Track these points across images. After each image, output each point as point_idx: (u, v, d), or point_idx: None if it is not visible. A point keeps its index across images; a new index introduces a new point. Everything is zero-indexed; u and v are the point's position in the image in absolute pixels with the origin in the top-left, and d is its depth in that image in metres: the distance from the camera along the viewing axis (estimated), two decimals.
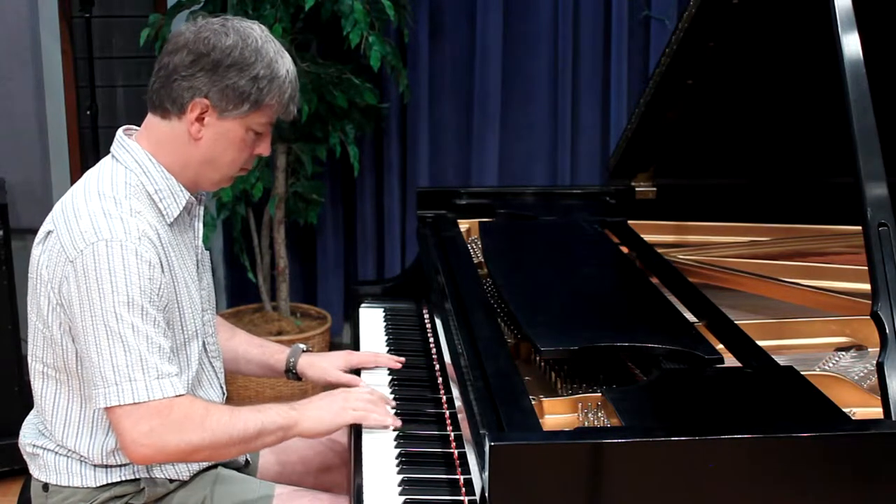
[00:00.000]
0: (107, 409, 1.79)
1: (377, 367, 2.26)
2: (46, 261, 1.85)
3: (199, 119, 1.87)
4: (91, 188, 1.88)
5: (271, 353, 2.26)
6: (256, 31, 1.89)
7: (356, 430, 2.01)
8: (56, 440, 1.93)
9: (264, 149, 1.95)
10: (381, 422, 1.97)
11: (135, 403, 1.76)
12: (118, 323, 1.76)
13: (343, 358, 2.26)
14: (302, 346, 2.27)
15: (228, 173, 1.95)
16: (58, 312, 1.85)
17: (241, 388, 4.00)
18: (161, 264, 1.84)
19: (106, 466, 1.92)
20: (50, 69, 4.05)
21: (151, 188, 1.90)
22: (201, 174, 1.93)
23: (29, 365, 1.96)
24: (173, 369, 1.81)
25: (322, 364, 2.24)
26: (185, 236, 1.98)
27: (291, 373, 2.25)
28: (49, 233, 1.87)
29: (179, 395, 1.80)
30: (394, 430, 1.99)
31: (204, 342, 2.00)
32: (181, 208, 1.93)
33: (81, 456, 1.91)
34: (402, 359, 2.27)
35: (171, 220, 1.92)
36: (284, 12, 3.68)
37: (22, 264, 2.10)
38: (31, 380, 1.96)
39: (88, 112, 3.70)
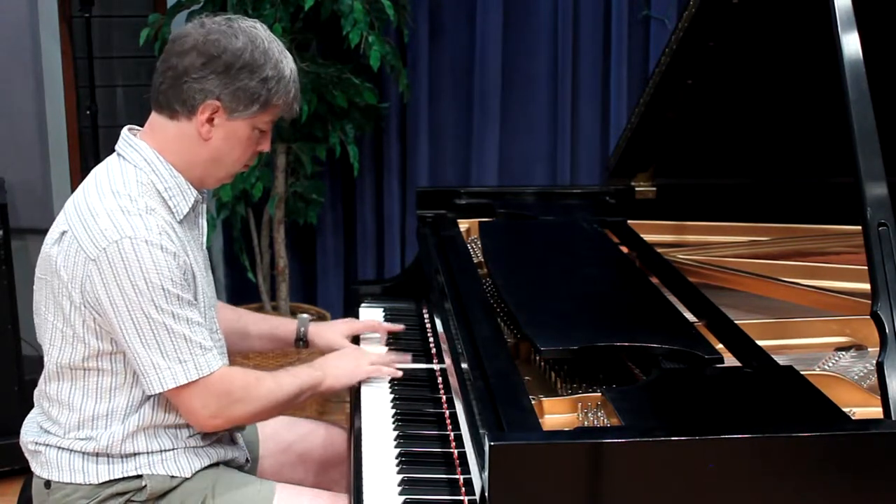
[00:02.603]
0: (171, 392, 1.87)
1: (378, 332, 2.43)
2: (64, 261, 1.86)
3: (210, 120, 1.89)
4: (103, 186, 1.89)
5: (279, 324, 2.41)
6: (261, 32, 1.91)
7: (356, 430, 2.02)
8: (69, 436, 1.93)
9: (266, 145, 2.00)
10: (392, 374, 2.19)
11: (190, 383, 1.85)
12: (159, 314, 1.82)
13: (347, 325, 2.42)
14: (307, 315, 2.42)
15: (232, 171, 1.99)
16: (82, 311, 1.87)
17: None
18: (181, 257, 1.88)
19: (109, 457, 1.93)
20: (50, 69, 4.05)
21: (161, 186, 1.91)
22: (207, 172, 1.96)
23: (45, 367, 1.97)
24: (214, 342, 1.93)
25: (328, 334, 2.38)
26: (192, 233, 2.01)
27: (302, 341, 2.37)
28: (64, 233, 1.88)
29: (227, 366, 1.92)
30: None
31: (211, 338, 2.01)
32: (190, 206, 1.95)
33: (97, 449, 1.92)
34: (402, 326, 2.45)
35: (181, 217, 1.94)
36: (284, 12, 3.68)
37: (22, 264, 2.11)
38: (44, 383, 1.97)
39: (88, 112, 3.70)
